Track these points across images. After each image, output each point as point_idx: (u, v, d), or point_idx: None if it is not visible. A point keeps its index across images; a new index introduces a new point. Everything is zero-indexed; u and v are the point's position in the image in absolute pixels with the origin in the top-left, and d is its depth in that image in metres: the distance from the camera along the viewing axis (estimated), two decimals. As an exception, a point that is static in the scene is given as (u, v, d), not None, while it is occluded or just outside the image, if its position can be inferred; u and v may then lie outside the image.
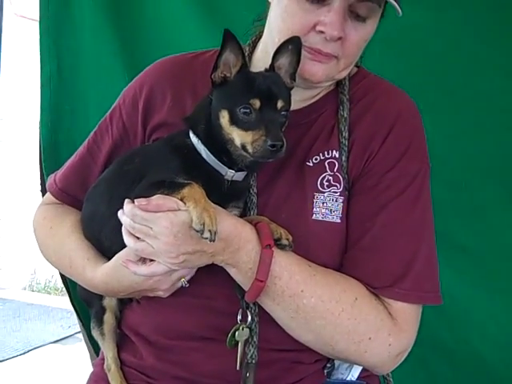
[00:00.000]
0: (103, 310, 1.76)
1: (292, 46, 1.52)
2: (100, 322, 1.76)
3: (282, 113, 1.49)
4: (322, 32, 1.54)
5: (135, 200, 1.45)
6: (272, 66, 1.54)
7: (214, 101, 1.52)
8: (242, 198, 1.61)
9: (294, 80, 1.56)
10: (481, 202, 2.35)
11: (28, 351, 4.90)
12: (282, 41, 1.55)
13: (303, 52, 1.55)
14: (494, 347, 2.41)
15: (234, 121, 1.47)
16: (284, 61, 1.54)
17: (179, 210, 1.42)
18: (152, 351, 1.69)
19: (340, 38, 1.55)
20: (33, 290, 6.61)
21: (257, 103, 1.45)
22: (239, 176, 1.55)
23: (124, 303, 1.77)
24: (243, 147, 1.46)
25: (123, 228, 1.51)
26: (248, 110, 1.45)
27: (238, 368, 1.57)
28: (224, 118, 1.48)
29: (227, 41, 1.47)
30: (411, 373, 2.34)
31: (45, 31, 2.57)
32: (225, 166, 1.53)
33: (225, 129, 1.48)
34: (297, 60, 1.54)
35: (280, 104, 1.48)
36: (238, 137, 1.46)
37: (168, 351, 1.67)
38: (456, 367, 2.47)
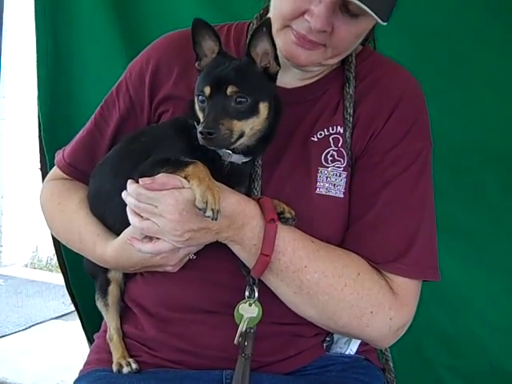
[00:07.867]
0: (108, 282, 1.77)
1: (265, 28, 1.48)
2: (104, 294, 1.78)
3: (239, 99, 1.44)
4: (308, 21, 1.53)
5: (140, 179, 1.46)
6: (248, 50, 1.51)
7: None
8: (243, 185, 1.61)
9: (278, 63, 1.53)
10: (482, 184, 2.33)
11: (30, 327, 4.91)
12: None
13: (290, 35, 1.56)
14: (494, 332, 2.40)
15: (198, 108, 1.50)
16: (263, 44, 1.50)
17: (183, 187, 1.43)
18: (153, 323, 1.71)
19: (325, 31, 1.53)
20: (35, 268, 6.61)
21: (207, 90, 1.46)
22: (237, 158, 1.55)
23: (129, 277, 1.79)
24: None
25: (128, 208, 1.51)
26: (203, 98, 1.47)
27: (235, 342, 1.58)
28: (195, 104, 1.51)
29: (195, 29, 1.51)
30: (408, 359, 2.34)
31: (40, 5, 2.51)
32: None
33: (198, 116, 1.51)
34: (271, 43, 1.50)
35: (230, 89, 1.44)
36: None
37: (169, 323, 1.68)
38: (454, 353, 2.47)
